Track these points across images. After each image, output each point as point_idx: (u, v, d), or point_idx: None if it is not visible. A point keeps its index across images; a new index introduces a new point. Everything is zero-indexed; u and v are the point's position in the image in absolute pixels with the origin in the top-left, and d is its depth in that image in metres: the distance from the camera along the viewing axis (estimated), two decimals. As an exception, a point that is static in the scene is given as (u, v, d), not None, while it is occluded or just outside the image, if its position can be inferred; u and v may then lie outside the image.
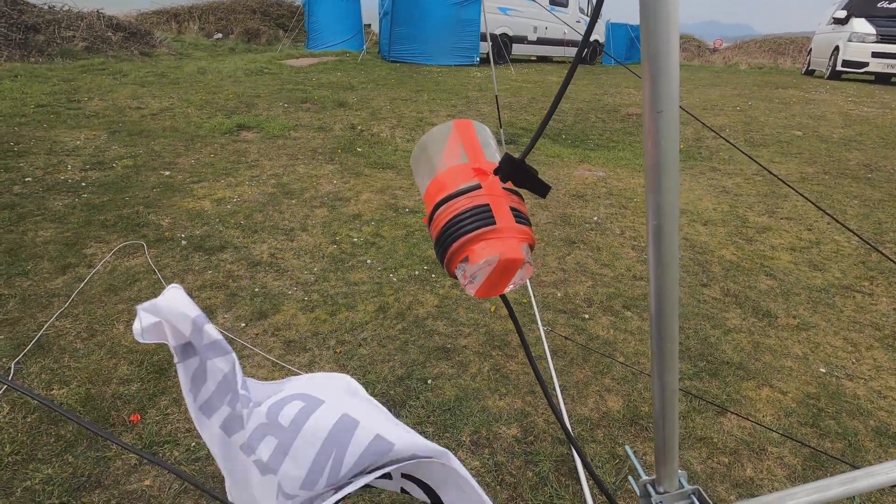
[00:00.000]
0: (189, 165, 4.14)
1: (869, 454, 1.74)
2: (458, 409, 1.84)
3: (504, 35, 11.49)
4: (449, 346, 2.18)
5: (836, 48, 10.68)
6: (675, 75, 0.44)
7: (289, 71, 8.64)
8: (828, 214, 1.04)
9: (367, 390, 2.08)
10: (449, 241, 0.47)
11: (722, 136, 1.46)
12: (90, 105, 5.65)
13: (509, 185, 0.49)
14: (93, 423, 1.69)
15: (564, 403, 1.89)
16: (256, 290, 2.50)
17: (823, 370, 2.14)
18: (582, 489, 1.54)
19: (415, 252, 2.95)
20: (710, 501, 0.66)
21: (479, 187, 0.48)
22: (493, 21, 11.04)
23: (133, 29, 10.15)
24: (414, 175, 0.55)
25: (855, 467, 0.65)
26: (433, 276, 2.72)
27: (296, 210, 3.44)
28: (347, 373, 1.99)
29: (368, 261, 2.84)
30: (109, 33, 9.38)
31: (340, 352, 2.11)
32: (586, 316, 2.44)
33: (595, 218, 3.58)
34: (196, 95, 6.36)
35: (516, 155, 0.48)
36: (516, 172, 0.48)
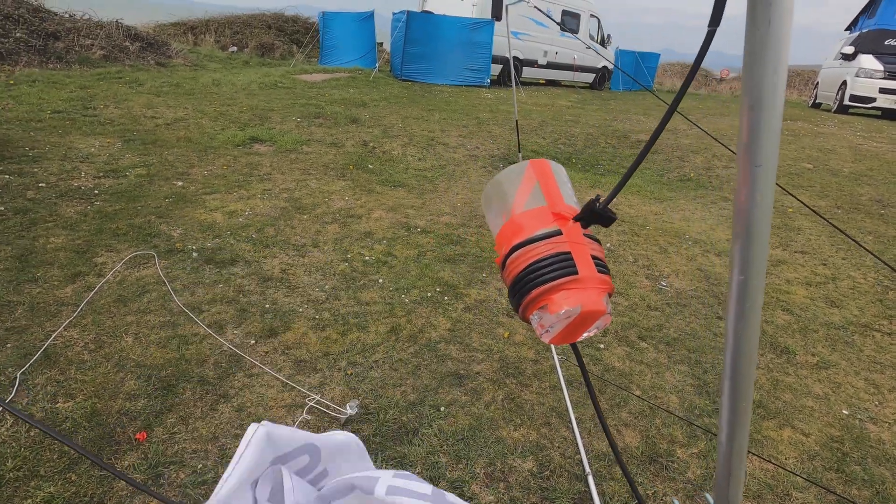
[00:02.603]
0: (202, 176, 4.15)
1: (897, 504, 1.68)
2: (471, 438, 1.79)
3: (515, 58, 11.66)
4: (462, 372, 2.14)
5: (844, 83, 10.80)
6: (777, 128, 0.41)
7: (302, 86, 8.74)
8: (856, 242, 1.00)
9: (378, 416, 2.01)
10: (527, 287, 0.44)
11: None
12: (106, 112, 5.70)
13: (588, 230, 0.47)
14: (90, 451, 1.64)
15: (581, 437, 1.83)
16: (267, 306, 2.47)
17: (846, 412, 2.08)
18: (601, 530, 1.48)
19: (427, 273, 2.92)
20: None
21: (559, 233, 0.45)
22: (506, 44, 11.21)
23: (150, 39, 10.31)
24: (485, 213, 0.53)
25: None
26: (445, 298, 2.69)
27: (307, 225, 3.42)
28: (359, 396, 1.94)
29: (380, 280, 2.81)
30: (127, 43, 9.52)
31: (351, 374, 2.06)
32: (601, 346, 2.40)
33: (608, 245, 3.56)
34: (210, 107, 6.42)
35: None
36: (598, 219, 0.46)
